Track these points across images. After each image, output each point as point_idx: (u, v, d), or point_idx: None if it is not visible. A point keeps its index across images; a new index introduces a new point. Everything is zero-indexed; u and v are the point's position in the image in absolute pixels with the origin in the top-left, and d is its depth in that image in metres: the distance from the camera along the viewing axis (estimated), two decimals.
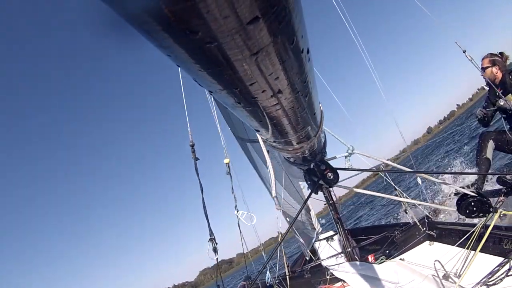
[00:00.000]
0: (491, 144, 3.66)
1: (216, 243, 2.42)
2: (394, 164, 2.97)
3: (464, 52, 3.63)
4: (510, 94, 3.53)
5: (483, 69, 3.63)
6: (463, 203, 2.29)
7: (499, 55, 3.66)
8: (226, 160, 3.02)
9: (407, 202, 3.72)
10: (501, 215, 2.31)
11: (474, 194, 2.26)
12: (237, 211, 2.80)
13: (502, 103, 3.47)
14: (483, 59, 3.69)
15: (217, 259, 2.42)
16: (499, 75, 3.56)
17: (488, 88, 3.70)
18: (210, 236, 2.42)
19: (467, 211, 2.32)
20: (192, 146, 2.68)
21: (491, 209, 2.28)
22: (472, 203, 2.25)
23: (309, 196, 1.94)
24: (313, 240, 4.78)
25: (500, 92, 3.49)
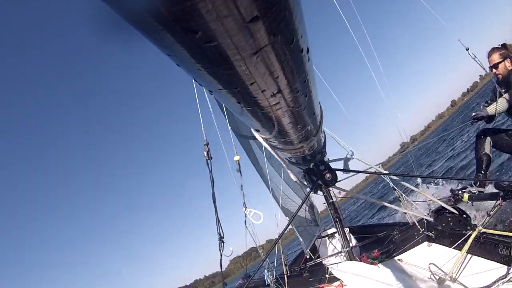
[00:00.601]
0: (488, 141, 3.55)
1: (224, 242, 2.43)
2: (390, 177, 3.00)
3: (467, 49, 3.52)
4: None
5: (495, 65, 3.36)
6: (441, 216, 2.26)
7: (504, 47, 3.41)
8: (237, 157, 2.98)
9: (406, 203, 3.73)
10: (480, 233, 2.27)
11: (454, 211, 2.21)
12: (245, 209, 2.81)
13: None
14: (490, 55, 3.42)
15: (220, 260, 2.44)
16: (511, 68, 3.31)
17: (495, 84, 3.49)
18: (220, 235, 2.43)
19: (444, 224, 2.29)
20: (207, 145, 2.67)
21: (468, 227, 2.25)
22: (449, 219, 2.22)
23: (307, 196, 1.95)
24: (315, 237, 4.77)
25: (503, 90, 3.37)
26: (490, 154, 3.53)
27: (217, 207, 2.51)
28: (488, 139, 3.54)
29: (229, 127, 3.66)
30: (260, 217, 2.77)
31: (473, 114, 3.56)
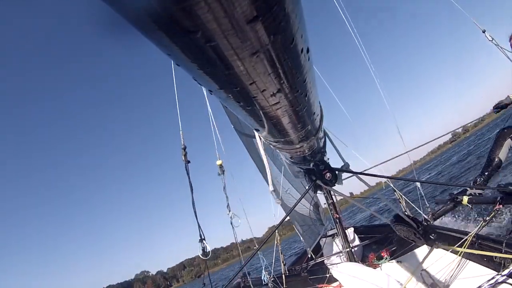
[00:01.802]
0: (507, 143, 3.33)
1: (206, 243, 2.42)
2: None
3: (483, 32, 3.31)
4: None
5: None
6: (397, 225, 2.26)
7: None
8: (219, 162, 2.97)
9: (406, 205, 3.72)
10: (476, 238, 2.21)
11: (412, 223, 2.18)
12: (229, 211, 2.80)
13: None
14: (511, 38, 3.19)
15: (206, 261, 2.42)
16: None
17: None
18: (200, 237, 2.41)
19: (398, 231, 2.32)
20: (184, 149, 2.66)
21: (424, 242, 2.25)
22: (405, 229, 2.23)
23: (304, 194, 1.95)
24: (320, 236, 4.77)
25: None
26: (503, 159, 3.35)
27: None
28: (508, 141, 3.33)
29: (232, 125, 3.65)
30: (238, 222, 2.77)
31: (497, 103, 3.37)
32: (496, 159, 3.30)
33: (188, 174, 2.53)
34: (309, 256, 4.42)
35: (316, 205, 5.42)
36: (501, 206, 2.70)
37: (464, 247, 2.19)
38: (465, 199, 3.25)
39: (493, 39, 3.26)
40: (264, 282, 3.32)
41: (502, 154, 3.33)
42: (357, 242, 4.05)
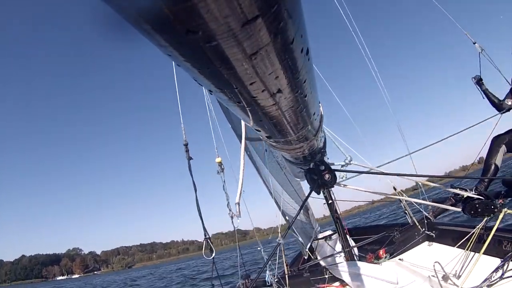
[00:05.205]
0: (502, 149, 3.46)
1: (212, 242, 2.42)
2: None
3: (474, 43, 3.47)
4: None
5: None
6: (468, 205, 2.34)
7: None
8: (218, 159, 2.93)
9: (406, 201, 3.72)
10: (506, 214, 2.31)
11: (478, 196, 2.28)
12: (230, 211, 2.79)
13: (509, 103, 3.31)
14: None
15: (213, 258, 2.43)
16: None
17: None
18: (205, 236, 2.41)
19: (472, 212, 2.37)
20: (186, 145, 2.64)
21: (495, 210, 2.32)
22: (477, 205, 2.31)
23: (308, 195, 1.95)
24: (312, 239, 4.80)
25: None
26: (499, 165, 3.46)
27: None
28: (503, 147, 3.46)
29: (231, 129, 3.66)
30: (236, 221, 2.76)
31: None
32: (493, 166, 3.42)
33: (190, 171, 2.52)
34: (305, 257, 4.43)
35: (306, 208, 5.44)
36: (505, 199, 2.74)
37: (473, 240, 2.21)
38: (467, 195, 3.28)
39: (483, 49, 3.36)
40: (268, 283, 3.32)
41: (498, 160, 3.47)
42: (351, 243, 4.07)
